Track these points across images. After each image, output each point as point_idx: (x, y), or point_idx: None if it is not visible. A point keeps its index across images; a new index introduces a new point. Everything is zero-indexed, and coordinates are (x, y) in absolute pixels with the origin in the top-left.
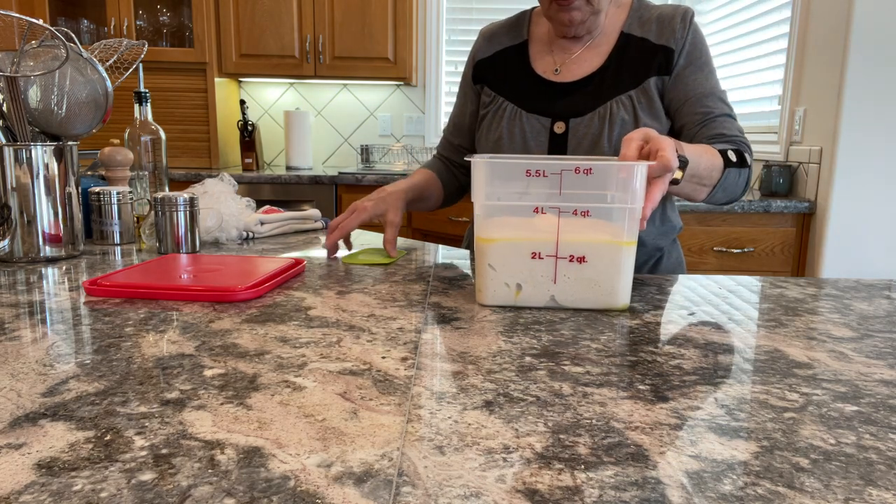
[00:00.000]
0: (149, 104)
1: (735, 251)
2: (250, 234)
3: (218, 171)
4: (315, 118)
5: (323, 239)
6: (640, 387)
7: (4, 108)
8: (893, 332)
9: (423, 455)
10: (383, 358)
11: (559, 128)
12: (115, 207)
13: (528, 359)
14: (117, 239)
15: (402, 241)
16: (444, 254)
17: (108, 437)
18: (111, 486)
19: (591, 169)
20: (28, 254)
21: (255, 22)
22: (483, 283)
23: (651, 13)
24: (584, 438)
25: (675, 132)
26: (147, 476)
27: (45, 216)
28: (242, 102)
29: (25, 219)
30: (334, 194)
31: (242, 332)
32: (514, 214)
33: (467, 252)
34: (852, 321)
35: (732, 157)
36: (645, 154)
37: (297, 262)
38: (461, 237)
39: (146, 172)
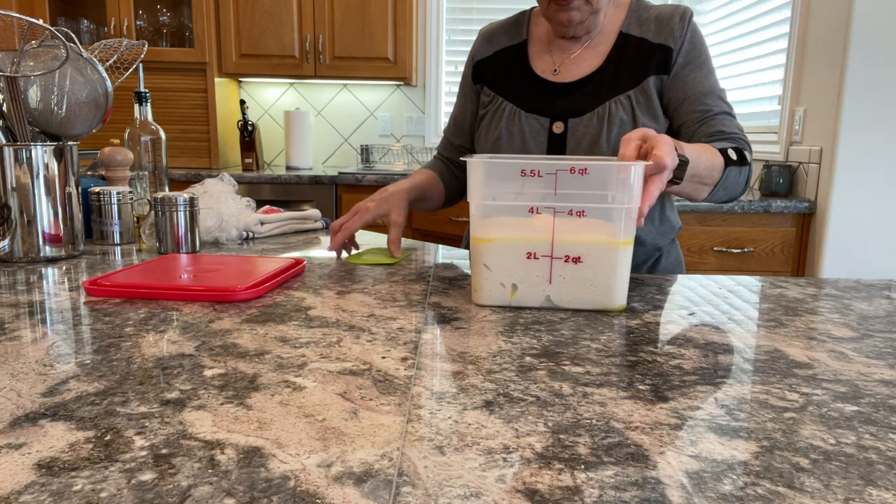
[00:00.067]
0: (149, 104)
1: (735, 251)
2: (250, 234)
3: (218, 171)
4: (315, 118)
5: (323, 239)
6: (640, 387)
7: (4, 108)
8: (893, 332)
9: (423, 455)
10: (383, 358)
11: (558, 128)
12: (115, 207)
13: (528, 359)
14: (117, 239)
15: (402, 241)
16: (444, 254)
17: (108, 437)
18: (111, 486)
19: (586, 169)
20: (28, 254)
21: (255, 22)
22: (479, 283)
23: (650, 13)
24: (584, 438)
25: (673, 131)
26: (147, 476)
27: (45, 216)
28: (242, 102)
29: (25, 219)
30: (334, 194)
31: (242, 332)
32: (509, 214)
33: (467, 252)
34: (852, 321)
35: (732, 155)
36: (643, 153)
37: (297, 262)
38: (461, 237)
39: (146, 172)
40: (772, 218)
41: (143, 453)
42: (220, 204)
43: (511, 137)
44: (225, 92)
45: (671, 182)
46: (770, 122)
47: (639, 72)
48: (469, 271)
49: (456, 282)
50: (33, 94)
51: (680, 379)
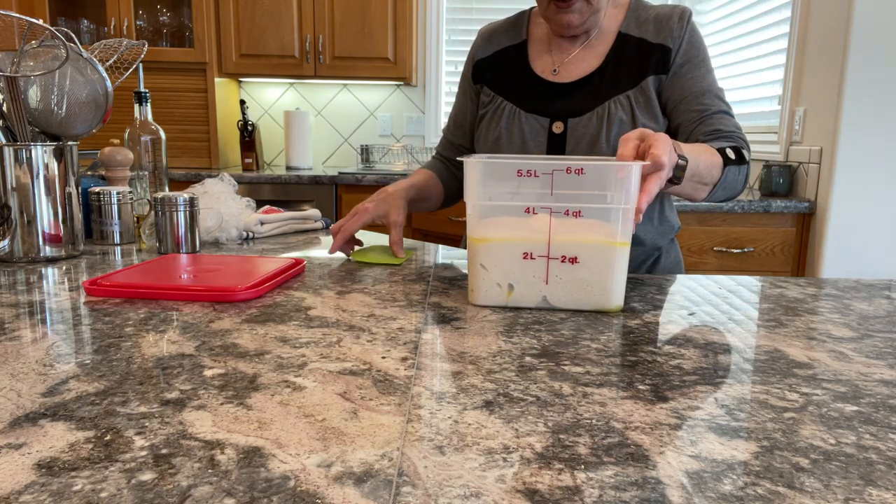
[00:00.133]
0: (149, 104)
1: (735, 251)
2: (250, 234)
3: (218, 171)
4: (315, 118)
5: (323, 239)
6: (640, 387)
7: (4, 108)
8: (893, 332)
9: (423, 455)
10: (383, 358)
11: (557, 128)
12: (115, 207)
13: (528, 359)
14: (117, 239)
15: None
16: (444, 254)
17: (108, 437)
18: (111, 486)
19: (582, 169)
20: (28, 254)
21: (255, 22)
22: (475, 284)
23: (648, 13)
24: (584, 438)
25: (671, 130)
26: (147, 476)
27: (45, 216)
28: (242, 102)
29: (25, 219)
30: (334, 194)
31: (242, 332)
32: (506, 215)
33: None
34: (852, 321)
35: (731, 154)
36: (641, 153)
37: (297, 262)
38: (461, 237)
39: (146, 172)
40: (772, 218)
41: (143, 453)
42: (220, 204)
43: (511, 137)
44: (225, 92)
45: (671, 182)
46: (770, 122)
47: (638, 72)
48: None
49: (456, 282)
50: (33, 94)
51: (680, 379)
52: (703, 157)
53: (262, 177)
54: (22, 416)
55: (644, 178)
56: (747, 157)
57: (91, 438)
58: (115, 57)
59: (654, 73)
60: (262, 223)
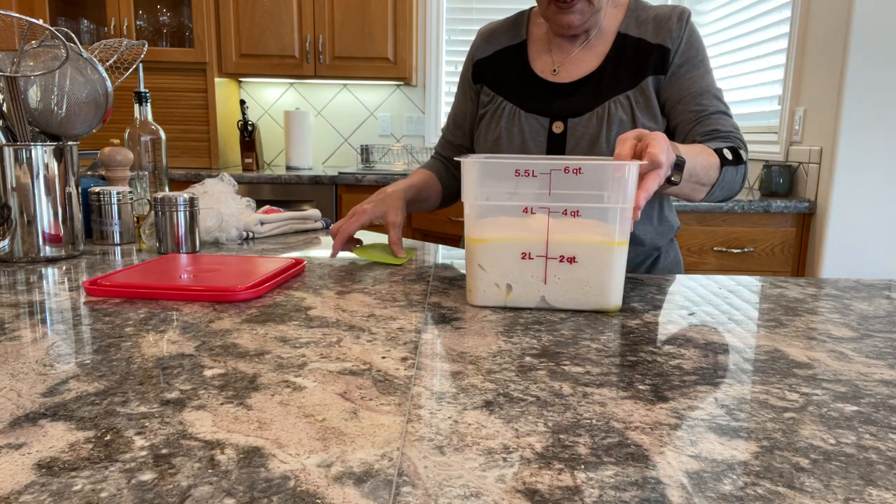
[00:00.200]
0: (149, 104)
1: (735, 251)
2: (250, 234)
3: (218, 171)
4: (315, 118)
5: (323, 239)
6: (640, 387)
7: (4, 108)
8: (893, 332)
9: (423, 455)
10: (383, 358)
11: (557, 128)
12: (115, 207)
13: (528, 359)
14: (117, 239)
15: (403, 241)
16: (444, 254)
17: (108, 437)
18: (111, 486)
19: (580, 168)
20: (28, 254)
21: (255, 22)
22: (473, 284)
23: (648, 13)
24: (584, 438)
25: (669, 130)
26: (147, 476)
27: (45, 216)
28: (242, 102)
29: (25, 219)
30: (334, 194)
31: (242, 332)
32: (504, 215)
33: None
34: (852, 321)
35: (728, 154)
36: (638, 152)
37: (297, 262)
38: (461, 237)
39: (146, 172)
40: (772, 218)
41: (143, 453)
42: (220, 204)
43: (511, 137)
44: (225, 92)
45: (670, 183)
46: (770, 122)
47: (637, 72)
48: None
49: (456, 282)
50: (33, 94)
51: (680, 379)
52: (700, 158)
53: (262, 177)
54: (22, 416)
55: (642, 176)
56: (745, 158)
57: (91, 438)
58: (115, 57)
59: (653, 73)
60: (262, 223)
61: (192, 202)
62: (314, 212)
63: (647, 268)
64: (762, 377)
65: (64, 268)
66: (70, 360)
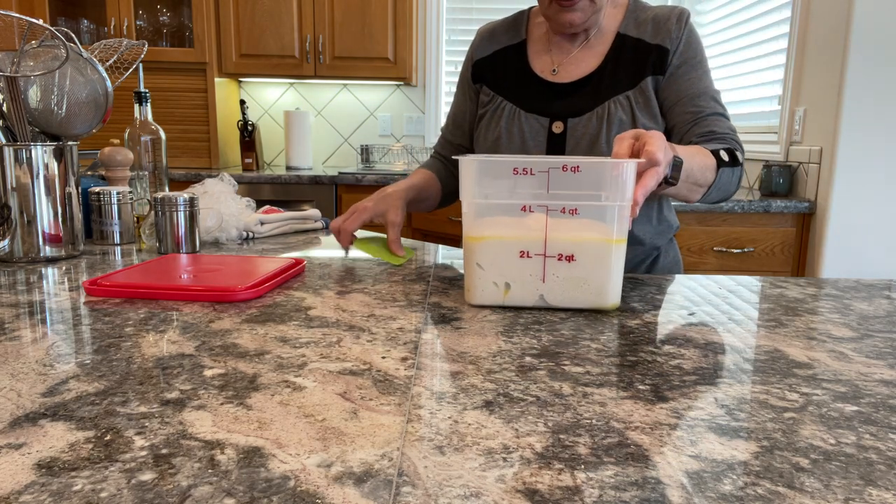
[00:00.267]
0: (149, 104)
1: (735, 251)
2: (250, 234)
3: (218, 171)
4: (315, 118)
5: (324, 239)
6: (640, 387)
7: (4, 108)
8: (893, 332)
9: (423, 455)
10: (383, 358)
11: (557, 128)
12: (115, 207)
13: (528, 359)
14: (117, 239)
15: (403, 241)
16: (444, 254)
17: (108, 437)
18: (111, 486)
19: (578, 167)
20: (28, 254)
21: (255, 22)
22: (472, 283)
23: (647, 14)
24: (584, 438)
25: (667, 131)
26: (147, 476)
27: (45, 216)
28: (242, 102)
29: (25, 219)
30: (334, 194)
31: (242, 332)
32: (502, 213)
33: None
34: (852, 321)
35: (724, 156)
36: (636, 151)
37: (297, 262)
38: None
39: (146, 172)
40: (772, 218)
41: (143, 453)
42: (220, 204)
43: (510, 137)
44: (225, 92)
45: (668, 183)
46: (770, 122)
47: (636, 72)
48: None
49: (456, 282)
50: (33, 94)
51: (680, 379)
52: (697, 159)
53: (262, 177)
54: (22, 416)
55: (641, 175)
56: (741, 160)
57: (91, 438)
58: (115, 57)
59: (652, 73)
60: (262, 223)
61: (192, 202)
62: (314, 212)
63: (647, 267)
64: (762, 377)
65: (64, 268)
66: (70, 360)
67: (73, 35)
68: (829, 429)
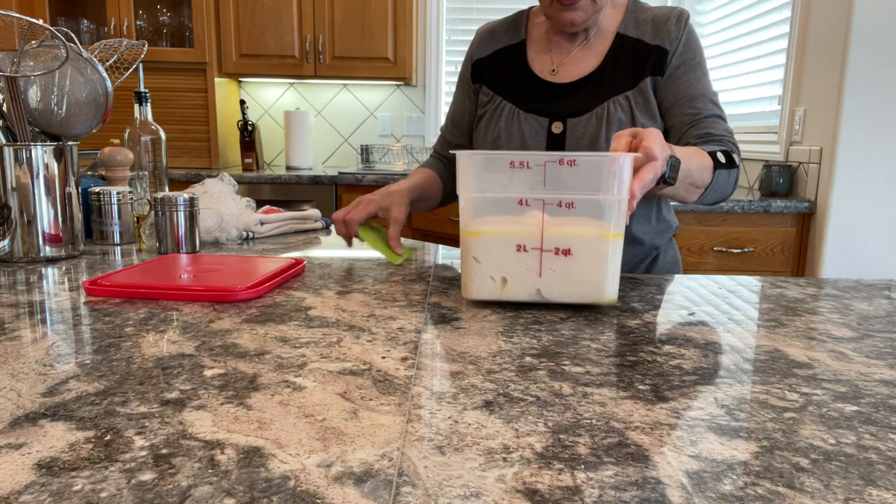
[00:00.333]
0: (149, 104)
1: (735, 251)
2: (250, 234)
3: (218, 171)
4: (315, 118)
5: (324, 239)
6: (640, 387)
7: (4, 108)
8: (893, 332)
9: (423, 455)
10: (383, 358)
11: (557, 128)
12: (115, 207)
13: (528, 359)
14: (117, 239)
15: (403, 241)
16: (444, 254)
17: (108, 437)
18: (111, 486)
19: (574, 160)
20: (28, 254)
21: (255, 22)
22: (468, 277)
23: (647, 14)
24: (584, 438)
25: (664, 132)
26: (147, 476)
27: (45, 216)
28: (242, 102)
29: (25, 219)
30: (334, 194)
31: (242, 332)
32: (499, 207)
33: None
34: (852, 321)
35: (721, 158)
36: (633, 148)
37: (297, 262)
38: None
39: (146, 172)
40: (772, 218)
41: (143, 453)
42: (220, 204)
43: (510, 137)
44: (225, 92)
45: (666, 183)
46: (770, 122)
47: (636, 73)
48: None
49: (456, 282)
50: (33, 94)
51: (680, 379)
52: (695, 160)
53: (262, 177)
54: (22, 416)
55: (638, 170)
56: (737, 162)
57: (91, 438)
58: (115, 57)
59: (651, 74)
60: (262, 223)
61: (192, 202)
62: (314, 212)
63: (646, 267)
64: (762, 377)
65: (64, 268)
66: (70, 360)
67: (73, 35)
68: (829, 429)
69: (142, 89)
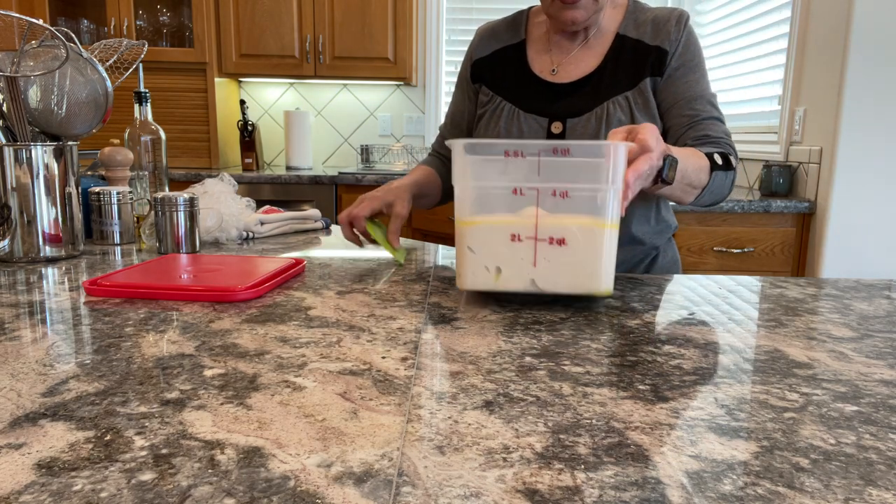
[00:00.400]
0: (149, 104)
1: (735, 251)
2: (250, 234)
3: (218, 171)
4: (315, 118)
5: (324, 239)
6: (640, 387)
7: (4, 108)
8: (893, 332)
9: (423, 455)
10: (383, 358)
11: (556, 128)
12: (115, 207)
13: (528, 359)
14: (117, 239)
15: (403, 241)
16: (444, 254)
17: (108, 437)
18: (111, 486)
19: (568, 149)
20: (28, 254)
21: (255, 22)
22: (463, 267)
23: (647, 15)
24: (584, 438)
25: (663, 133)
26: (147, 476)
27: (45, 216)
28: (242, 102)
29: (25, 219)
30: (334, 194)
31: (242, 332)
32: (493, 197)
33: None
34: (852, 321)
35: (718, 160)
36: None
37: (297, 262)
38: None
39: (146, 172)
40: (772, 218)
41: (143, 453)
42: (220, 204)
43: (510, 137)
44: (225, 92)
45: (664, 182)
46: (770, 122)
47: (636, 73)
48: None
49: (455, 281)
50: (33, 94)
51: (680, 379)
52: (692, 161)
53: (262, 177)
54: (22, 416)
55: (633, 161)
56: (734, 164)
57: (91, 438)
58: (115, 57)
59: (651, 74)
60: (262, 223)
61: (192, 202)
62: (314, 212)
63: (646, 267)
64: (762, 377)
65: (64, 268)
66: (70, 360)
67: (73, 35)
68: (829, 429)
69: (142, 89)
